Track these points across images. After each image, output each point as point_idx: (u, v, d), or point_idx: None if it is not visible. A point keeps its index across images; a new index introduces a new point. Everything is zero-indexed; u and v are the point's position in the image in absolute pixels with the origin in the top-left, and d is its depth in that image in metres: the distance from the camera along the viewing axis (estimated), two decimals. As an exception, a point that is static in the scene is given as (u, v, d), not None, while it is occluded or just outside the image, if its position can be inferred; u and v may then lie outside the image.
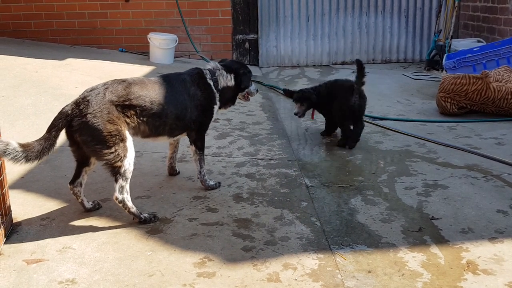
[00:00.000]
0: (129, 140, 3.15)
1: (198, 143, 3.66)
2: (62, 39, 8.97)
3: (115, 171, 3.10)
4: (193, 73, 3.64)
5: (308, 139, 4.99)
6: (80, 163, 3.26)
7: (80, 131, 3.03)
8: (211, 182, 3.75)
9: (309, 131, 5.27)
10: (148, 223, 3.20)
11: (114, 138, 3.05)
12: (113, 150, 3.05)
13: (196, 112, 3.54)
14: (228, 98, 3.80)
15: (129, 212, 3.18)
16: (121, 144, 3.07)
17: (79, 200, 3.32)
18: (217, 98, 3.68)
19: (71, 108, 3.07)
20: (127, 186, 3.15)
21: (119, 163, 3.08)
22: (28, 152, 2.87)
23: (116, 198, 3.13)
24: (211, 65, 3.75)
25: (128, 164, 3.12)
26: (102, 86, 3.17)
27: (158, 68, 7.76)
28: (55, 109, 5.15)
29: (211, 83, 3.63)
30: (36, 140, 2.96)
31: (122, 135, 3.09)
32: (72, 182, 3.28)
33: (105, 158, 3.06)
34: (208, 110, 3.64)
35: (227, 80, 3.71)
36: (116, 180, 3.12)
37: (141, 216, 3.20)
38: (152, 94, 3.30)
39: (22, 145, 2.86)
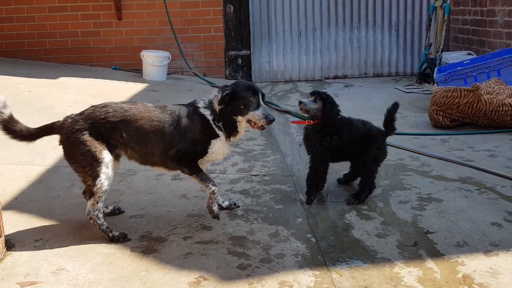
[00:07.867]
0: (106, 160, 3.17)
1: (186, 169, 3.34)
2: (55, 58, 8.99)
3: (88, 189, 3.26)
4: (188, 107, 3.34)
5: (302, 154, 4.99)
6: None
7: (62, 145, 3.23)
8: (215, 209, 3.39)
9: (303, 146, 5.27)
10: (117, 242, 3.19)
11: (87, 158, 3.14)
12: (87, 169, 3.16)
13: (185, 144, 3.25)
14: (228, 124, 3.28)
15: (99, 229, 3.25)
16: (94, 164, 3.14)
17: None
18: (216, 128, 3.28)
19: (61, 122, 3.27)
20: (99, 205, 3.21)
21: (90, 182, 3.18)
22: (10, 123, 3.22)
23: (87, 214, 3.25)
24: (213, 92, 3.33)
25: (101, 184, 3.16)
26: (91, 107, 3.31)
27: (151, 85, 7.78)
28: (48, 129, 5.19)
29: (205, 113, 3.27)
30: (26, 126, 3.29)
31: (97, 155, 3.15)
32: (85, 192, 3.42)
33: (79, 175, 3.23)
34: (202, 144, 3.29)
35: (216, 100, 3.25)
36: (89, 197, 3.26)
37: (110, 234, 3.22)
38: (140, 123, 3.23)
39: (10, 117, 3.21)
